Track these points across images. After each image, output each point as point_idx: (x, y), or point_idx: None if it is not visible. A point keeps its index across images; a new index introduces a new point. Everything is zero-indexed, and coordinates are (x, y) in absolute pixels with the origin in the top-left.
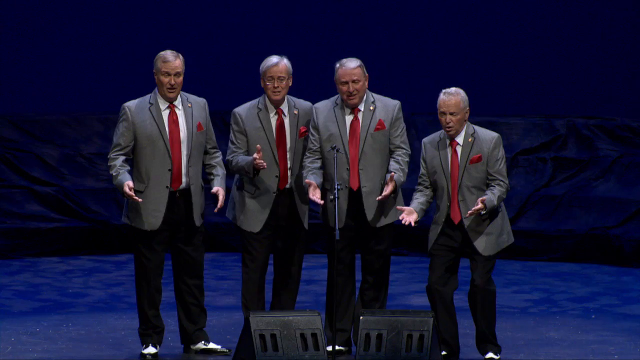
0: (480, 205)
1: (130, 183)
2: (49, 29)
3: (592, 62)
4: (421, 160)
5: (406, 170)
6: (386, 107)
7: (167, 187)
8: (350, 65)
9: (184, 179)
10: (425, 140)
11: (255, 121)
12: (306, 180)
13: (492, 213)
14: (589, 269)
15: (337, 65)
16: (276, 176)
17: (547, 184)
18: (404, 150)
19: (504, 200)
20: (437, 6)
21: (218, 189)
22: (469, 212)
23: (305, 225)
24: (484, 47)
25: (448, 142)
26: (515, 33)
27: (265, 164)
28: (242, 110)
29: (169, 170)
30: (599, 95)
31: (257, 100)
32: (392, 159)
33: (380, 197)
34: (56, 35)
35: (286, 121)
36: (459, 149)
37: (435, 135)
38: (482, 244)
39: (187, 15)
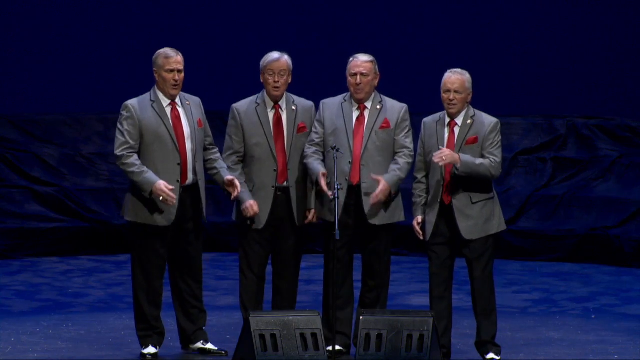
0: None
1: (165, 182)
2: (49, 28)
3: (592, 62)
4: (419, 142)
5: (407, 168)
6: (393, 107)
7: (177, 181)
8: (362, 58)
9: (190, 175)
10: (425, 119)
11: (253, 116)
12: (321, 172)
13: (484, 197)
14: (589, 269)
15: (351, 58)
16: (274, 170)
17: (547, 184)
18: (408, 150)
19: (500, 193)
20: (437, 6)
21: (233, 177)
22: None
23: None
24: (484, 47)
25: (447, 121)
26: (516, 33)
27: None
28: (240, 105)
29: (178, 164)
30: (599, 95)
31: (255, 96)
32: (393, 160)
33: (372, 200)
34: (56, 35)
35: (284, 116)
36: (456, 130)
37: (435, 115)
38: (466, 228)
39: (187, 14)
